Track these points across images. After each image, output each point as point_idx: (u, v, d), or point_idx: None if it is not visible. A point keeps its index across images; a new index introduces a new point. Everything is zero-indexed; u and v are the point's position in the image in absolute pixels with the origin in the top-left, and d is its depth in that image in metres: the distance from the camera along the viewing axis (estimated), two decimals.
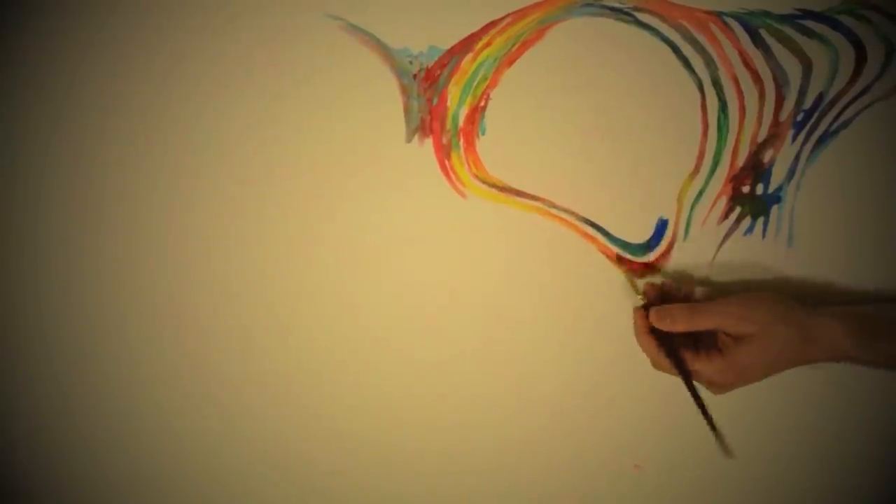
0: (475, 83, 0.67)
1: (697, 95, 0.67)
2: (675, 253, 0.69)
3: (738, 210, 0.69)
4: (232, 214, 0.70)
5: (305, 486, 0.74)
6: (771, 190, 0.68)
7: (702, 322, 0.63)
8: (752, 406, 0.70)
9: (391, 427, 0.72)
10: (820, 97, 0.66)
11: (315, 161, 0.69)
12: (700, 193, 0.69)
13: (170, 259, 0.71)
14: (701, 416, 0.64)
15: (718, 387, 0.64)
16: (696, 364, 0.64)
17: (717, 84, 0.66)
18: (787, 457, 0.71)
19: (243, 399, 0.73)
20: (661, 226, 0.69)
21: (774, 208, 0.68)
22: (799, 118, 0.67)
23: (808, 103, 0.67)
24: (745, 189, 0.68)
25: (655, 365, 0.66)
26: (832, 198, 0.68)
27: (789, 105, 0.67)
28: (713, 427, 0.64)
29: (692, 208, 0.69)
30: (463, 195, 0.69)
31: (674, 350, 0.64)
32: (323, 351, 0.72)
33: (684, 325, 0.64)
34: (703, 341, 0.65)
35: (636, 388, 0.71)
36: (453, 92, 0.67)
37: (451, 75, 0.67)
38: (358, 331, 0.71)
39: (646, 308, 0.66)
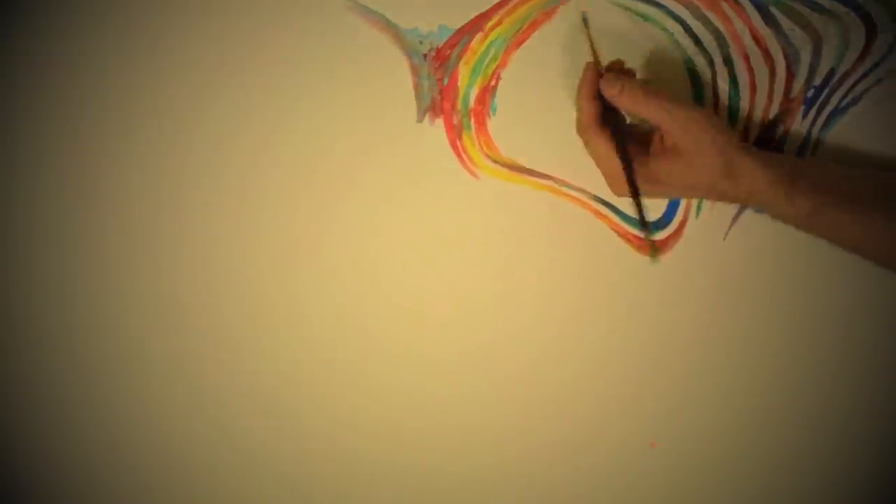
0: (485, 63, 0.67)
1: (708, 73, 0.67)
2: (687, 230, 0.69)
3: None
4: (236, 199, 0.70)
5: (310, 484, 0.74)
6: None
7: (647, 110, 0.61)
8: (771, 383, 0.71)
9: (408, 401, 0.72)
10: (830, 73, 0.67)
11: (325, 142, 0.69)
12: None
13: (174, 232, 0.71)
14: (634, 208, 0.62)
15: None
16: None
17: (728, 61, 0.66)
18: (805, 429, 0.71)
19: (250, 393, 0.73)
20: (673, 203, 0.69)
21: None
22: (809, 95, 0.67)
23: (818, 80, 0.67)
24: None
25: (582, 131, 0.63)
26: None
27: (800, 82, 0.67)
28: (643, 219, 0.62)
29: None
30: (475, 175, 0.69)
31: (620, 127, 0.62)
32: (334, 335, 0.71)
33: (630, 102, 0.61)
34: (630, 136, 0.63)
35: (651, 364, 0.71)
36: (464, 72, 0.67)
37: (461, 55, 0.67)
38: (368, 318, 0.71)
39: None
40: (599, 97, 0.62)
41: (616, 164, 0.62)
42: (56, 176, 0.69)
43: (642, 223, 0.62)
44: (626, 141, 0.62)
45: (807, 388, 0.71)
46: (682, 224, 0.69)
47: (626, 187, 0.62)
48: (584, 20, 0.64)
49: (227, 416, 0.72)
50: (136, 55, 0.68)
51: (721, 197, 0.63)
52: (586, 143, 0.64)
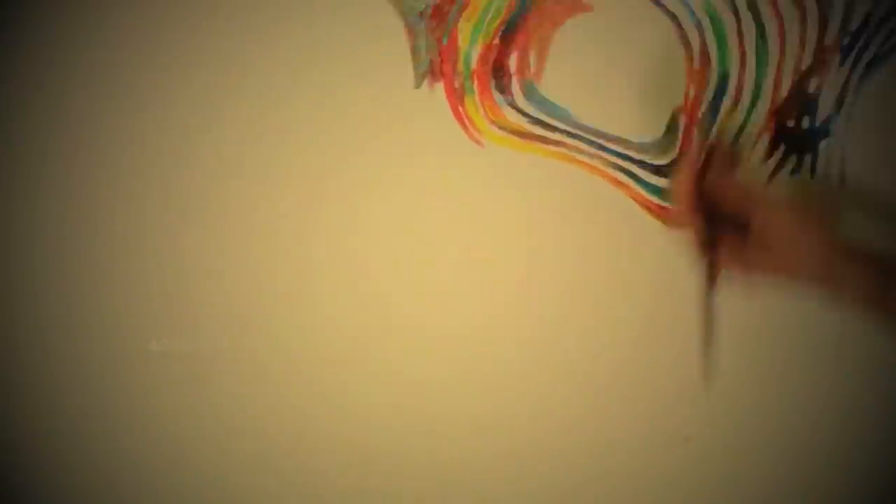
0: (488, 19, 0.62)
1: (732, 20, 0.61)
2: None
3: (783, 147, 0.63)
4: (235, 170, 0.65)
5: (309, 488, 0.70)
6: (818, 123, 0.62)
7: (754, 201, 0.57)
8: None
9: (421, 382, 0.68)
10: (867, 17, 0.61)
11: (317, 112, 0.63)
12: (741, 130, 0.63)
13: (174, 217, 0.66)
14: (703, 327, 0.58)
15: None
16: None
17: (752, 6, 0.61)
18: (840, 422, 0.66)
19: (248, 387, 0.68)
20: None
21: (823, 143, 0.62)
22: (845, 42, 0.61)
23: (854, 25, 0.61)
24: (790, 123, 0.62)
25: (680, 208, 0.59)
26: (887, 129, 0.62)
27: (834, 27, 0.61)
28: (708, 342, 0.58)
29: (733, 147, 0.63)
30: (480, 143, 0.63)
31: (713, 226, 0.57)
32: (336, 311, 0.67)
33: (735, 192, 0.57)
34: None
35: (680, 350, 0.64)
36: (464, 30, 0.62)
37: (461, 11, 0.62)
38: (369, 295, 0.66)
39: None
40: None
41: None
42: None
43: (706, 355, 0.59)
44: (716, 228, 0.57)
45: (844, 381, 0.65)
46: None
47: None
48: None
49: (226, 412, 0.69)
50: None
51: (825, 289, 0.57)
52: (683, 216, 0.59)
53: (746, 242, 0.57)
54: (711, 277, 0.58)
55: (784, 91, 0.62)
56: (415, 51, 0.62)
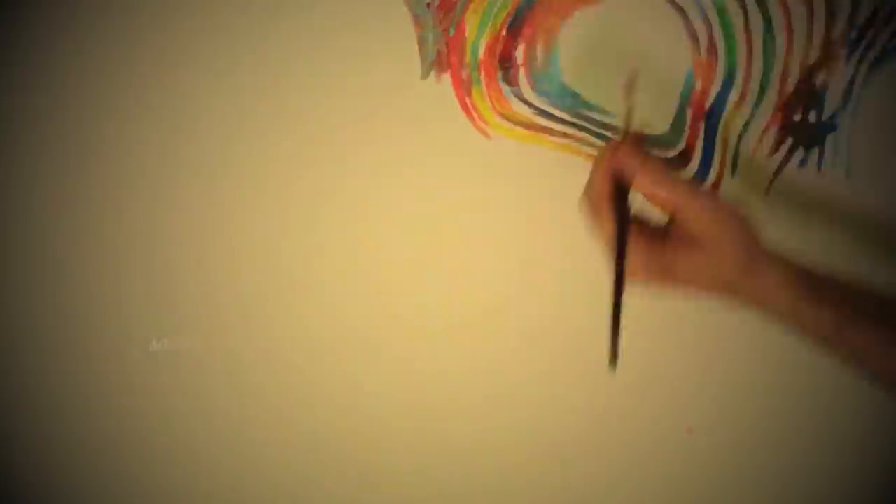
0: (495, 10, 0.61)
1: (739, 13, 0.61)
2: (722, 190, 0.62)
3: (789, 141, 0.63)
4: (238, 165, 0.64)
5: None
6: (825, 117, 0.62)
7: (668, 191, 0.54)
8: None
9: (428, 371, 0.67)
10: (875, 12, 0.60)
11: (323, 103, 0.63)
12: (747, 124, 0.62)
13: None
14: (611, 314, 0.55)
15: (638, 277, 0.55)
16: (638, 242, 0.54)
17: (760, 1, 0.60)
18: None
19: (254, 380, 0.68)
20: (706, 160, 0.62)
21: (830, 137, 0.62)
22: (852, 35, 0.61)
23: (861, 18, 0.61)
24: (797, 117, 0.62)
25: (590, 205, 0.56)
26: (894, 123, 0.62)
27: (841, 20, 0.61)
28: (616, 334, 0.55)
29: (739, 141, 0.63)
30: (487, 135, 0.63)
31: (625, 214, 0.54)
32: (341, 308, 0.66)
33: (650, 180, 0.54)
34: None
35: (684, 345, 0.64)
36: (471, 21, 0.62)
37: (468, 2, 0.61)
38: (374, 293, 0.66)
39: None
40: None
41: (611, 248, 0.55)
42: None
43: (613, 345, 0.55)
44: (626, 230, 0.55)
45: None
46: (717, 184, 0.63)
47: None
48: (631, 83, 0.56)
49: (226, 411, 0.68)
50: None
51: (742, 297, 0.55)
52: (593, 218, 0.56)
53: (662, 252, 0.55)
54: (619, 284, 0.55)
55: (791, 85, 0.62)
56: (422, 42, 0.62)
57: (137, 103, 0.64)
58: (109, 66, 0.63)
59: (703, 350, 0.66)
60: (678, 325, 0.65)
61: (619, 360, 0.54)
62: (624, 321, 0.54)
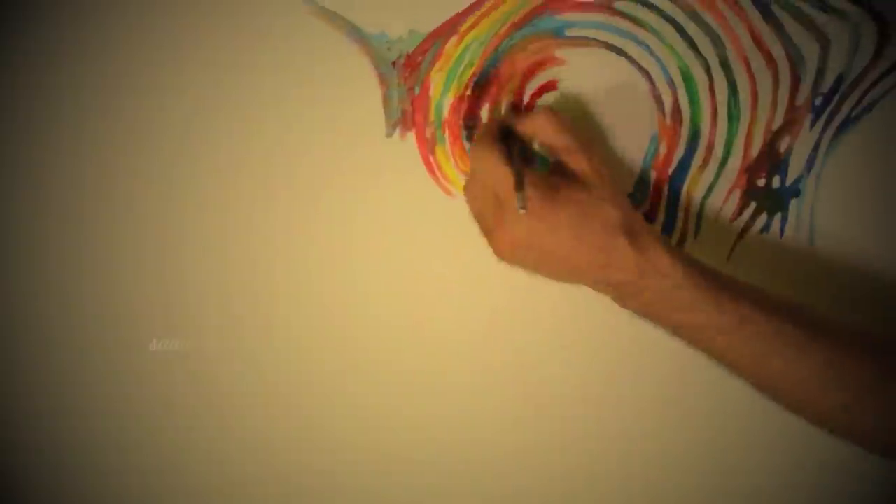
0: (461, 69, 0.61)
1: (704, 78, 0.61)
2: (686, 249, 0.62)
3: (753, 205, 0.63)
4: (201, 220, 0.64)
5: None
6: (789, 183, 0.62)
7: (555, 125, 0.56)
8: None
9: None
10: (840, 79, 0.60)
11: (286, 160, 0.63)
12: (710, 187, 0.62)
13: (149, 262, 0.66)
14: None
15: (499, 244, 0.55)
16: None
17: (725, 65, 0.60)
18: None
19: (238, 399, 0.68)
20: (670, 220, 0.62)
21: (793, 203, 0.62)
22: (817, 102, 0.61)
23: (826, 86, 0.61)
24: (761, 182, 0.62)
25: (477, 143, 0.56)
26: (856, 190, 0.62)
27: (806, 88, 0.61)
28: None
29: (702, 204, 0.63)
30: (450, 193, 0.63)
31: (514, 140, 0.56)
32: (304, 358, 0.66)
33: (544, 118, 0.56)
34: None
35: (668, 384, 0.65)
36: (437, 79, 0.61)
37: (433, 61, 0.61)
38: (340, 340, 0.65)
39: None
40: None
41: (502, 173, 0.53)
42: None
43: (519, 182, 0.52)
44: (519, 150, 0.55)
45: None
46: (680, 246, 0.63)
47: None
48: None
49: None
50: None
51: (617, 271, 0.53)
52: (477, 159, 0.55)
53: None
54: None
55: (755, 149, 0.62)
56: (386, 100, 0.62)
57: (137, 107, 0.63)
58: (112, 67, 0.63)
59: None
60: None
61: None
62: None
